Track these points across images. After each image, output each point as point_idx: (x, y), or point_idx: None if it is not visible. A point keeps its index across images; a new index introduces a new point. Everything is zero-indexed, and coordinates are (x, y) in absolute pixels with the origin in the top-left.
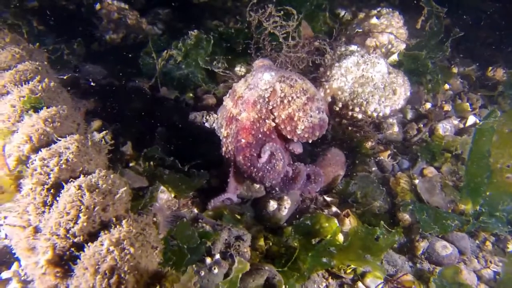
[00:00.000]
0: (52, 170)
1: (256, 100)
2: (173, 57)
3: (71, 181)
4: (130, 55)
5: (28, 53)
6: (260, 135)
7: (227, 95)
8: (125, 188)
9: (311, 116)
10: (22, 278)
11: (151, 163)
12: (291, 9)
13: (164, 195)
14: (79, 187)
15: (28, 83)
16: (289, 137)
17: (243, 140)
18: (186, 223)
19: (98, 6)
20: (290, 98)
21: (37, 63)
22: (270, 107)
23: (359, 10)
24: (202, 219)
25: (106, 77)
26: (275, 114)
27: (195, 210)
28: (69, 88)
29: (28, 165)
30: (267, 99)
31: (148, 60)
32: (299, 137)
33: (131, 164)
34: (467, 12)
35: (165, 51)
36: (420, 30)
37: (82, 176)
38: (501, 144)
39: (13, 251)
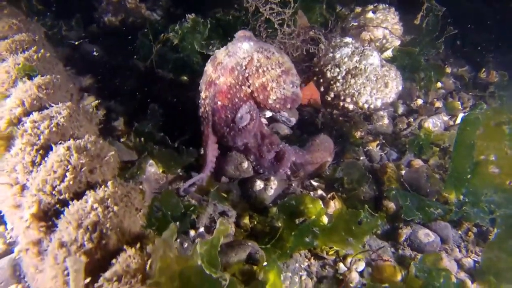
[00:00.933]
0: (42, 132)
1: (233, 67)
2: (170, 41)
3: (61, 143)
4: (127, 38)
5: (25, 26)
6: (236, 99)
7: (209, 61)
8: (113, 152)
9: (283, 88)
10: (8, 241)
11: (142, 138)
12: None
13: (152, 168)
14: (68, 148)
15: (24, 53)
16: (261, 105)
17: (219, 103)
18: (171, 191)
19: None
20: (265, 68)
21: (34, 35)
22: (246, 75)
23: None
24: (188, 192)
25: (102, 56)
26: (250, 81)
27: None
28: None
29: (19, 127)
30: (244, 67)
31: (146, 42)
32: (271, 106)
33: (122, 140)
34: (464, 14)
35: (162, 34)
36: (415, 28)
37: (71, 139)
38: (486, 136)
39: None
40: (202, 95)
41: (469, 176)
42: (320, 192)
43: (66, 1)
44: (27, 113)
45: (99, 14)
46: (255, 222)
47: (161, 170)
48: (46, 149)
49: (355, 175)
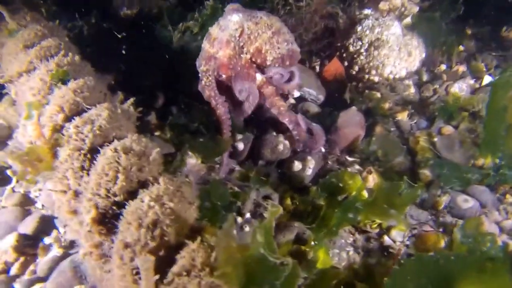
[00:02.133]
0: (86, 136)
1: (228, 39)
2: (189, 29)
3: (106, 145)
4: (145, 30)
5: (49, 31)
6: (239, 68)
7: (204, 38)
8: (157, 149)
9: (278, 48)
10: (62, 244)
11: (176, 130)
12: None
13: (192, 160)
14: (115, 150)
15: (53, 58)
16: (261, 67)
17: (223, 75)
18: (218, 181)
19: None
20: (256, 34)
21: (60, 39)
22: (241, 44)
23: None
24: (230, 181)
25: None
26: (245, 49)
27: (222, 174)
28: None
29: (63, 133)
30: (238, 37)
31: (165, 33)
32: (272, 66)
33: (156, 134)
34: None
35: (181, 24)
36: None
37: (115, 140)
38: None
39: (52, 221)
40: (203, 68)
41: (503, 139)
42: (357, 167)
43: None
44: (68, 118)
45: (114, 9)
46: (297, 203)
47: (199, 161)
48: (92, 152)
49: (388, 147)
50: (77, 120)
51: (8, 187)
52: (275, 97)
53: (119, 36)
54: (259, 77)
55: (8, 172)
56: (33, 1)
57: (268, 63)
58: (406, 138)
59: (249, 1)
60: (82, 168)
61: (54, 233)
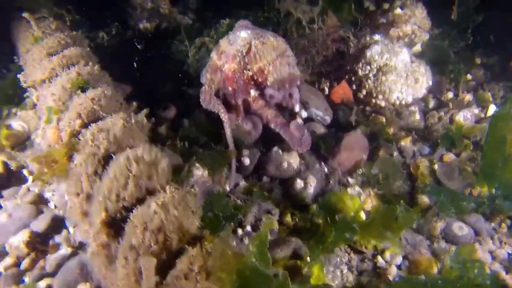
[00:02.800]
0: (101, 143)
1: (235, 54)
2: (205, 45)
3: (119, 152)
4: (163, 43)
5: (72, 40)
6: (241, 82)
7: (214, 49)
8: (166, 160)
9: (280, 71)
10: (71, 243)
11: (186, 142)
12: None
13: (199, 172)
14: (127, 158)
15: (74, 66)
16: (262, 86)
17: (230, 88)
18: (222, 194)
19: None
20: (261, 54)
21: (81, 48)
22: (247, 60)
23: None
24: (234, 194)
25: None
26: (249, 66)
27: (227, 187)
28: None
29: (79, 138)
30: (244, 53)
31: (181, 48)
32: (271, 87)
33: (167, 143)
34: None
35: (197, 39)
36: (444, 20)
37: (128, 148)
38: None
39: (63, 221)
40: (208, 76)
41: (500, 170)
42: (357, 189)
43: (102, 10)
44: (85, 125)
45: (134, 21)
46: (297, 219)
47: (206, 172)
48: (106, 159)
49: (389, 171)
50: (93, 127)
51: (24, 186)
52: (264, 108)
53: (138, 46)
54: (252, 92)
55: (25, 171)
56: (58, 11)
57: (268, 83)
58: (407, 163)
59: (264, 20)
60: (96, 172)
61: (64, 232)
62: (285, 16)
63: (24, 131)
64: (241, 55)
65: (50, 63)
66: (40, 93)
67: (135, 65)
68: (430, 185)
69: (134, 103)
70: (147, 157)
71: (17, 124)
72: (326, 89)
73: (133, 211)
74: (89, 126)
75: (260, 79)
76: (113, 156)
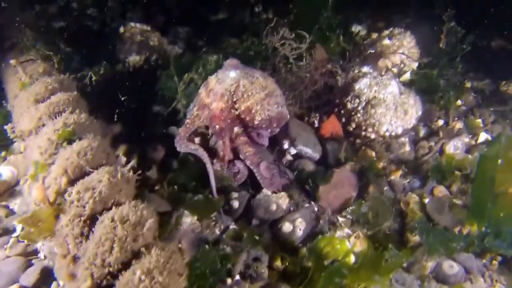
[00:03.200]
0: (87, 203)
1: (223, 93)
2: (193, 81)
3: (105, 212)
4: (152, 77)
5: (59, 84)
6: (228, 121)
7: (202, 85)
8: (152, 219)
9: (268, 110)
10: None
11: (175, 187)
12: (304, 34)
13: (188, 219)
14: (112, 219)
15: (61, 114)
16: (249, 125)
17: (217, 127)
18: (208, 250)
19: (122, 29)
20: (249, 93)
21: (68, 94)
22: (235, 99)
23: (374, 22)
24: (223, 240)
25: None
26: (237, 105)
27: (217, 231)
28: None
29: (65, 197)
30: (232, 92)
31: (170, 84)
32: (257, 126)
33: (156, 187)
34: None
35: (186, 74)
36: (432, 47)
37: (114, 207)
38: (506, 168)
39: (52, 272)
40: (194, 112)
41: (490, 209)
42: (346, 230)
43: (92, 43)
44: (71, 182)
45: (124, 54)
46: (287, 263)
47: (195, 218)
48: (92, 219)
49: (379, 209)
50: (79, 186)
51: (13, 236)
52: (245, 144)
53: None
54: (236, 129)
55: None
56: (46, 53)
57: (256, 122)
58: (398, 199)
59: (253, 57)
60: (82, 234)
61: (54, 285)
62: (273, 51)
63: (13, 177)
64: (230, 94)
65: (37, 112)
66: (27, 143)
67: (124, 103)
68: (419, 224)
69: (122, 146)
70: (133, 217)
71: (6, 170)
72: (316, 122)
73: (119, 278)
74: (75, 184)
75: (247, 118)
76: (99, 217)
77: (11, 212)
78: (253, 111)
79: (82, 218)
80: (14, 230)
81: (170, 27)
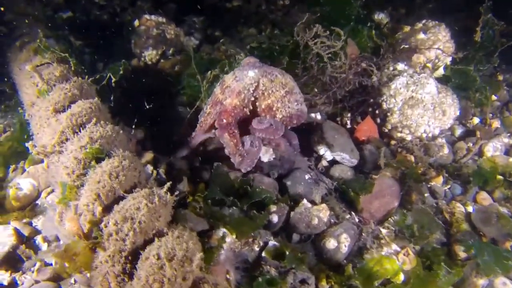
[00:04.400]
0: (127, 235)
1: (240, 91)
2: (218, 77)
3: (146, 244)
4: (171, 76)
5: (79, 89)
6: (238, 118)
7: (218, 84)
8: (200, 254)
9: (288, 107)
10: None
11: (208, 201)
12: (338, 30)
13: (228, 239)
14: (158, 257)
15: (85, 126)
16: None
17: (224, 120)
18: (260, 283)
19: (136, 23)
20: (270, 91)
21: (90, 101)
22: (253, 98)
23: (395, 10)
24: (265, 261)
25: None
26: (257, 104)
27: (256, 248)
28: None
29: (101, 227)
30: (252, 91)
31: (193, 83)
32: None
33: (188, 200)
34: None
35: (209, 72)
36: (467, 42)
37: (156, 239)
38: None
39: None
40: (207, 110)
41: None
42: (394, 247)
43: (106, 37)
44: (106, 208)
45: (139, 48)
46: (332, 283)
47: (234, 236)
48: (134, 254)
49: (425, 221)
50: (116, 216)
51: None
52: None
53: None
54: None
55: (39, 238)
56: (61, 55)
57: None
58: (440, 207)
59: (278, 52)
60: (124, 271)
61: None
62: (305, 48)
63: (34, 189)
64: (248, 92)
65: (58, 124)
66: (51, 160)
67: (146, 105)
68: (470, 240)
69: (148, 154)
70: (180, 252)
71: (26, 182)
72: (348, 123)
73: None
74: (111, 212)
75: (268, 116)
76: (142, 253)
77: (34, 231)
78: (274, 109)
79: (123, 254)
80: (39, 248)
81: (185, 17)
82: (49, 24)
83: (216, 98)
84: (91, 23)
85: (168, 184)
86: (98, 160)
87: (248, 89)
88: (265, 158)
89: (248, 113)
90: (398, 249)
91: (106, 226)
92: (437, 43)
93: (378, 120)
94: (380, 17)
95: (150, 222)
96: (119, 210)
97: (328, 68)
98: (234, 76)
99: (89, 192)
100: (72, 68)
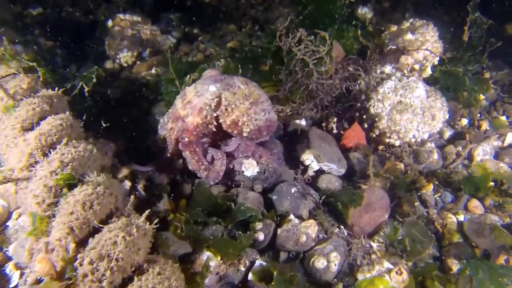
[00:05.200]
0: (103, 275)
1: (202, 107)
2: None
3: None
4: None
5: (48, 104)
6: (201, 135)
7: (179, 96)
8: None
9: (255, 119)
10: None
11: (191, 222)
12: (324, 34)
13: (213, 263)
14: None
15: (55, 146)
16: (238, 138)
17: (186, 139)
18: None
19: (110, 23)
20: (233, 106)
21: (60, 118)
22: (215, 115)
23: (378, 3)
24: (253, 287)
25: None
26: (221, 120)
27: (242, 268)
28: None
29: (76, 266)
30: (213, 107)
31: (171, 89)
32: (248, 138)
33: (169, 218)
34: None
35: (188, 76)
36: (454, 40)
37: (135, 278)
38: None
39: None
40: (168, 126)
41: None
42: (386, 264)
43: (78, 38)
44: (79, 242)
45: (114, 50)
46: None
47: (218, 258)
48: None
49: (417, 235)
50: (91, 253)
51: None
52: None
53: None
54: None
55: (10, 266)
56: (28, 64)
57: (244, 134)
58: (431, 218)
59: (261, 54)
60: None
61: None
62: (288, 53)
63: (4, 210)
64: (209, 108)
65: (26, 145)
66: (20, 186)
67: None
68: (467, 263)
69: (125, 169)
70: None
71: None
72: (334, 128)
73: None
74: (85, 248)
75: (235, 131)
76: None
77: (5, 257)
78: (239, 124)
79: None
80: (9, 279)
81: (161, 14)
82: (18, 25)
83: (177, 113)
84: (63, 21)
85: (147, 212)
86: (70, 186)
87: (210, 105)
88: (248, 173)
89: (214, 129)
90: (391, 266)
91: (80, 265)
92: (425, 44)
93: (366, 125)
94: (364, 11)
95: (128, 258)
96: (94, 246)
97: (314, 74)
98: (196, 90)
99: (61, 225)
100: (41, 79)
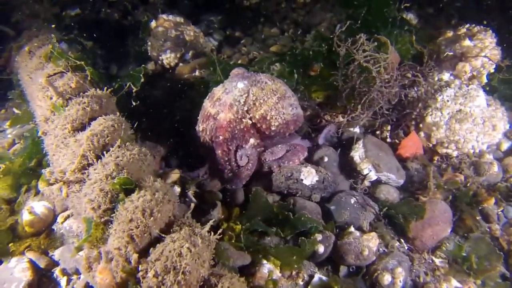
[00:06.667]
0: None
1: (232, 103)
2: None
3: None
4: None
5: (98, 103)
6: (236, 131)
7: (207, 97)
8: None
9: (283, 113)
10: None
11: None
12: (385, 39)
13: (275, 276)
14: None
15: (108, 149)
16: (266, 133)
17: (221, 137)
18: None
19: (153, 24)
20: (261, 100)
21: (112, 119)
22: (246, 109)
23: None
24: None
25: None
26: (251, 114)
27: (300, 282)
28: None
29: (138, 278)
30: (243, 103)
31: None
32: (276, 132)
33: (223, 227)
34: None
35: None
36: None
37: None
38: None
39: None
40: (200, 127)
41: None
42: (454, 283)
43: (119, 39)
44: (141, 252)
45: (156, 51)
46: None
47: (278, 269)
48: None
49: (483, 252)
50: (157, 265)
51: None
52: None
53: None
54: (252, 140)
55: (57, 271)
56: (77, 63)
57: (273, 128)
58: (494, 234)
59: (312, 57)
60: None
61: None
62: (345, 62)
63: (50, 213)
64: (239, 104)
65: (78, 146)
66: (72, 190)
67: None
68: None
69: (174, 174)
70: None
71: (40, 206)
72: (388, 136)
73: None
74: (147, 258)
75: (264, 126)
76: None
77: (51, 262)
78: (268, 118)
79: None
80: (58, 284)
81: (201, 17)
82: (59, 24)
83: (207, 112)
84: (101, 21)
85: (211, 222)
86: (127, 192)
87: (239, 101)
88: (307, 181)
89: (250, 122)
90: (459, 285)
91: (143, 277)
92: (484, 50)
93: (422, 134)
94: (409, 17)
95: (194, 271)
96: (158, 257)
97: (378, 82)
98: (224, 88)
99: (120, 233)
100: (89, 78)
